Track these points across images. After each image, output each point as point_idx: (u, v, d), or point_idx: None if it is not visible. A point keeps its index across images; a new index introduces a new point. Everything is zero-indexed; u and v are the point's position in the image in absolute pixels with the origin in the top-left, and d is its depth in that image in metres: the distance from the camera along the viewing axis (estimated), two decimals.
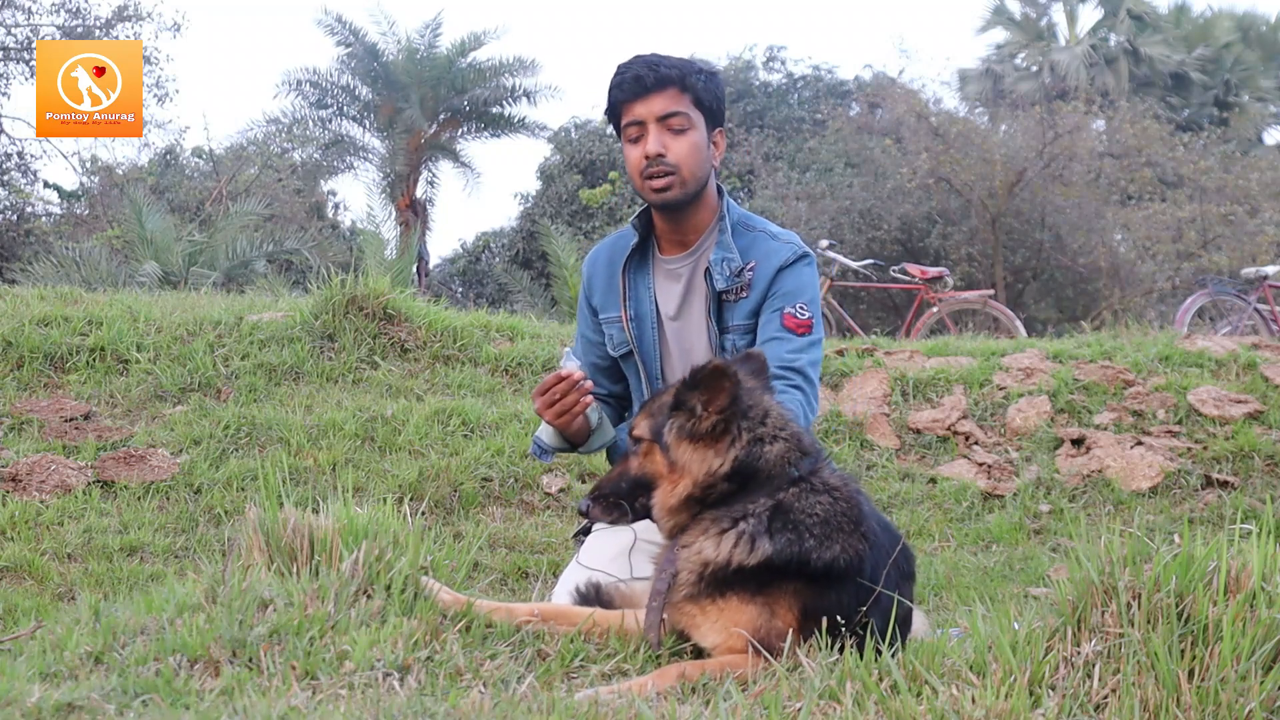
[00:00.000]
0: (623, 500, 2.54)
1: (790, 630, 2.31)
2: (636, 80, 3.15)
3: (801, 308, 3.15)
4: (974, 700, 2.08)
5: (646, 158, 3.14)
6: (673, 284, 3.28)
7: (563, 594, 3.01)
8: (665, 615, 2.41)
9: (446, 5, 56.09)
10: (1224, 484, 6.11)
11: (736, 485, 2.40)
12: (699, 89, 3.18)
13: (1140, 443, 6.39)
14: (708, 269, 3.20)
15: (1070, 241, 18.52)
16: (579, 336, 3.49)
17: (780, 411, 2.53)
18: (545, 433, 3.19)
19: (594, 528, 3.35)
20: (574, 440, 3.20)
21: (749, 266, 3.19)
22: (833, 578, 2.35)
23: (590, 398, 3.01)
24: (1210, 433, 6.48)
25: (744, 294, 3.19)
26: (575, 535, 3.48)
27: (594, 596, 2.70)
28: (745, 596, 2.34)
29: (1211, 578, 2.16)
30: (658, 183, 3.14)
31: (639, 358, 3.31)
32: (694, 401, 2.41)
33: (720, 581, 2.35)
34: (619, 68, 3.22)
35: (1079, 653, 2.17)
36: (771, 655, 2.28)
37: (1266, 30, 28.65)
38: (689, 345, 3.26)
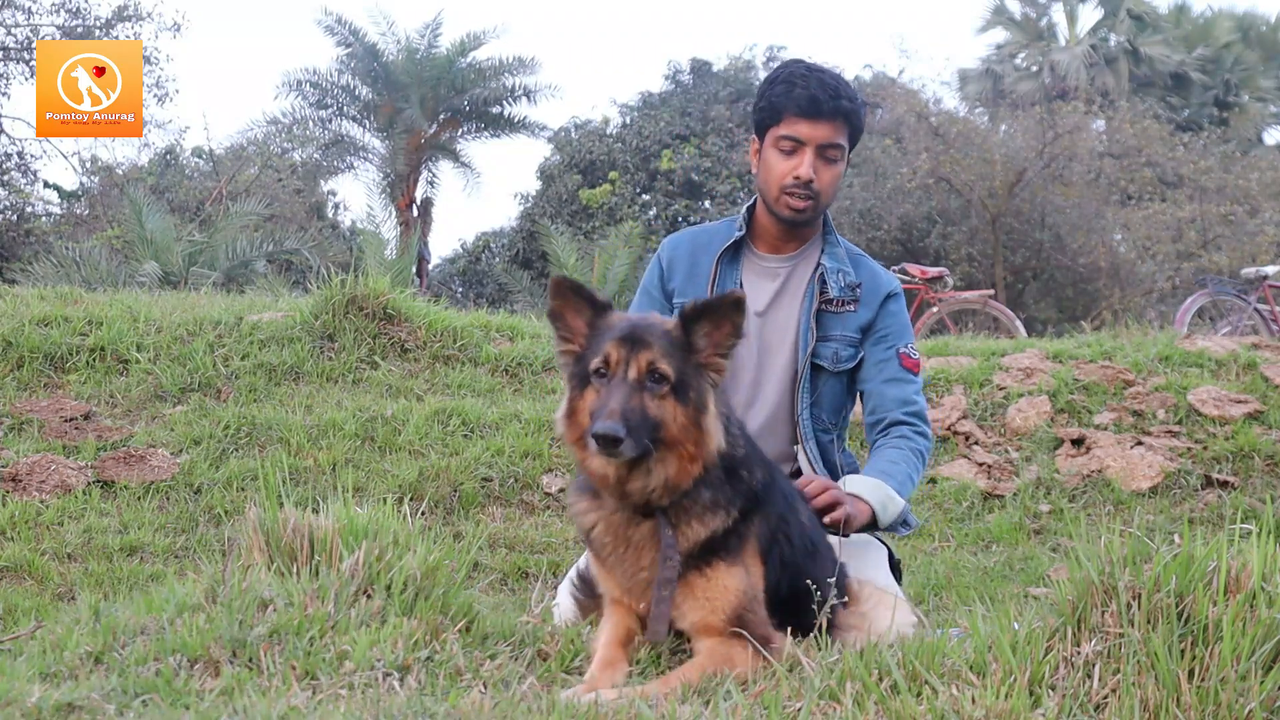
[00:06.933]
0: None
1: (759, 580, 2.41)
2: (813, 102, 3.16)
3: (913, 348, 3.35)
4: (974, 700, 2.08)
5: (796, 178, 3.20)
6: (766, 281, 3.32)
7: (567, 593, 3.02)
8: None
9: (446, 5, 56.17)
10: (1224, 484, 6.11)
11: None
12: (857, 126, 3.27)
13: (1140, 443, 6.38)
14: (821, 275, 3.27)
15: (1070, 241, 18.53)
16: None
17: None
18: None
19: None
20: None
21: (858, 283, 3.30)
22: (760, 499, 2.49)
23: None
24: (1210, 433, 6.48)
25: (850, 307, 3.29)
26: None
27: (588, 590, 2.72)
28: (730, 561, 2.39)
29: (1211, 578, 2.16)
30: (797, 204, 3.21)
31: None
32: None
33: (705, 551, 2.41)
34: (792, 75, 3.22)
35: (1079, 653, 2.17)
36: (753, 620, 2.34)
37: (1266, 30, 28.67)
38: (770, 342, 3.30)
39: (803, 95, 3.17)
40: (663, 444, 2.31)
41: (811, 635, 2.48)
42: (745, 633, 2.32)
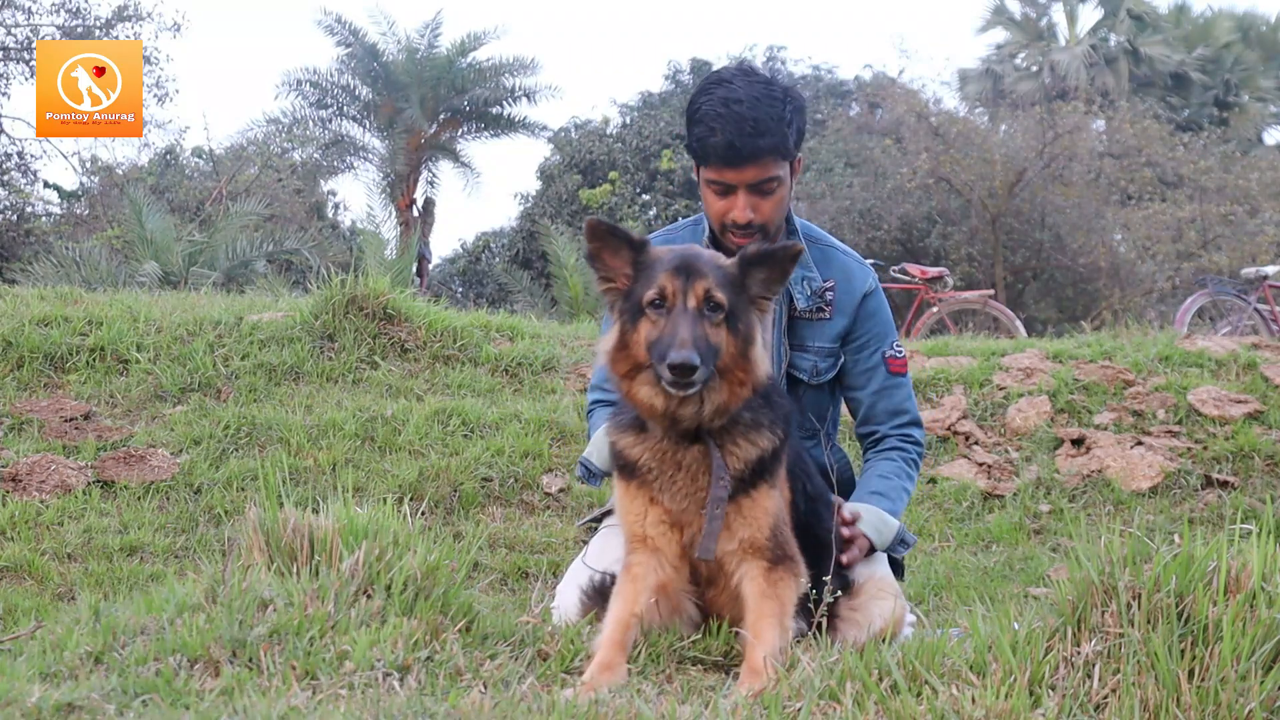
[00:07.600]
0: None
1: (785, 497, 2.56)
2: (730, 150, 2.97)
3: (897, 347, 3.25)
4: (974, 700, 2.08)
5: (734, 221, 3.05)
6: None
7: (567, 592, 3.01)
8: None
9: (446, 5, 56.25)
10: (1224, 484, 6.11)
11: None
12: (791, 145, 3.05)
13: (1140, 443, 6.38)
14: (786, 287, 3.14)
15: (1070, 241, 18.54)
16: None
17: None
18: (599, 455, 3.05)
19: (601, 526, 3.33)
20: None
21: (828, 286, 3.18)
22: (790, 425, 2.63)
23: None
24: (1210, 433, 6.48)
25: (824, 314, 3.17)
26: (584, 523, 3.46)
27: (602, 591, 2.73)
28: (770, 483, 2.48)
29: (1211, 578, 2.17)
30: (742, 240, 3.04)
31: None
32: None
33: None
34: (707, 116, 2.99)
35: (1079, 653, 2.17)
36: (784, 538, 2.48)
37: (1266, 30, 28.68)
38: None
39: (720, 145, 2.98)
40: (716, 372, 2.36)
41: (812, 631, 2.50)
42: (780, 552, 2.46)
